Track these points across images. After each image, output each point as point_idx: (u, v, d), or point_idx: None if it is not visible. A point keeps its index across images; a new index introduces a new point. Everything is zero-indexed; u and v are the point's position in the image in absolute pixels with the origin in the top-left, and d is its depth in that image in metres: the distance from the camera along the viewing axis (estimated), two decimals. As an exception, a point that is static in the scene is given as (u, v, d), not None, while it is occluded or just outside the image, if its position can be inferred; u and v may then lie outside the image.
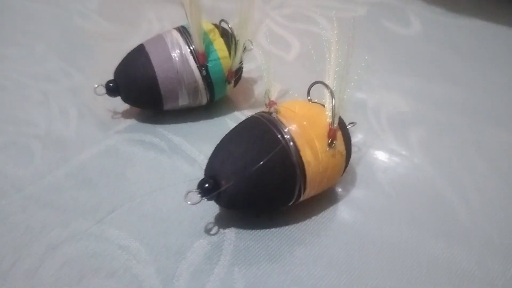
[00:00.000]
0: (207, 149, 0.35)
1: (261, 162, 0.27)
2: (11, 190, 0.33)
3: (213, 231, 0.31)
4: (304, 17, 0.53)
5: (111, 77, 0.37)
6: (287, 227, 0.31)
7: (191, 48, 0.35)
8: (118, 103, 0.38)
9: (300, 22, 0.51)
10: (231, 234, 0.30)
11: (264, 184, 0.28)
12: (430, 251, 0.30)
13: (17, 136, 0.37)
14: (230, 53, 0.36)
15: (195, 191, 0.28)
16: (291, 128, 0.29)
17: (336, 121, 0.30)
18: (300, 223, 0.31)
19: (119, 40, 0.48)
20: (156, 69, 0.35)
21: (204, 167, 0.30)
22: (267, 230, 0.31)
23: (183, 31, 0.36)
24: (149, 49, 0.36)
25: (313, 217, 0.32)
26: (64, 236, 0.30)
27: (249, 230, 0.31)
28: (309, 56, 0.43)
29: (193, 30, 0.35)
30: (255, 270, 0.28)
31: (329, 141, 0.29)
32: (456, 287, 0.28)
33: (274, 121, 0.29)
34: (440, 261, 0.29)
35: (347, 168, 0.34)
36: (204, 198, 0.28)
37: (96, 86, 0.37)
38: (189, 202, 0.28)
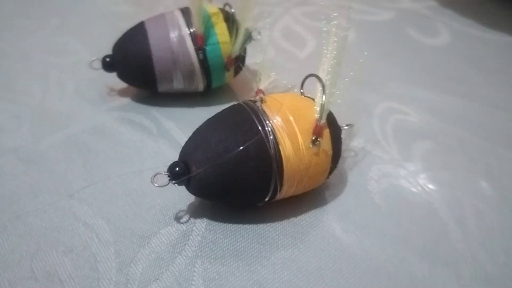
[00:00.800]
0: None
1: (235, 151, 0.26)
2: (-11, 154, 0.32)
3: (183, 220, 0.29)
4: (325, 16, 0.50)
5: None
6: (262, 225, 0.29)
7: (191, 30, 0.34)
8: (117, 81, 0.37)
9: (320, 21, 0.49)
10: (201, 224, 0.29)
11: (237, 175, 0.26)
12: (412, 272, 0.27)
13: (9, 103, 0.37)
14: (232, 39, 0.35)
15: (164, 174, 0.27)
16: (274, 120, 0.27)
17: (324, 117, 0.27)
18: (276, 222, 0.29)
19: (133, 21, 0.47)
20: (152, 48, 0.34)
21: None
22: (239, 225, 0.29)
23: (186, 12, 0.35)
24: (148, 26, 0.35)
25: (292, 219, 0.29)
26: (31, 206, 0.29)
27: (221, 223, 0.29)
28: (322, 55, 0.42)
29: (193, 10, 0.33)
30: (218, 265, 0.27)
31: (314, 138, 0.27)
32: (434, 314, 0.25)
33: (257, 110, 0.27)
34: (421, 283, 0.26)
35: (338, 172, 0.32)
36: (172, 182, 0.27)
37: (93, 59, 0.36)
38: (155, 184, 0.27)
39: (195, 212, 0.29)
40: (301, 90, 0.30)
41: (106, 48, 0.37)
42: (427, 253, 0.28)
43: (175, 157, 0.32)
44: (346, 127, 0.32)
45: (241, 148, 0.26)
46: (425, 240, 0.28)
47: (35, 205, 0.29)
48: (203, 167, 0.26)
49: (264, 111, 0.27)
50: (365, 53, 0.33)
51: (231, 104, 0.37)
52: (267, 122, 0.27)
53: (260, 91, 0.29)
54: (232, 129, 0.27)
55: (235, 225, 0.29)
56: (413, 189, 0.32)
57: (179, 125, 0.36)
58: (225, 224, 0.29)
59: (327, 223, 0.29)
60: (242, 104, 0.28)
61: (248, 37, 0.35)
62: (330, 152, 0.28)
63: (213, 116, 0.29)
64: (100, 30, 0.46)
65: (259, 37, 0.38)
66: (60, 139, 0.34)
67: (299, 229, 0.29)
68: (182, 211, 0.29)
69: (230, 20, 0.35)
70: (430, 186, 0.32)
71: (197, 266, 0.26)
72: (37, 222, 0.28)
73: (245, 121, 0.27)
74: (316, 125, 0.27)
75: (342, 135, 0.30)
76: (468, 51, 0.47)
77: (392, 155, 0.34)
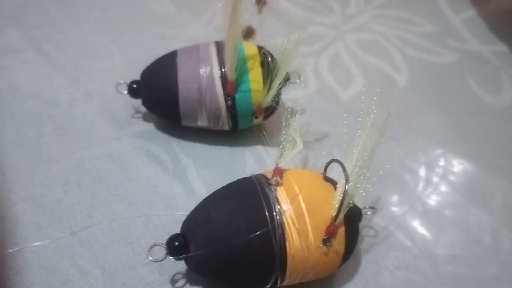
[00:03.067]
0: (212, 182, 0.33)
1: (237, 242, 0.24)
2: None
3: (178, 284, 0.28)
4: (379, 48, 0.46)
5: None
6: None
7: (223, 71, 0.32)
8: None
9: (373, 54, 0.45)
10: (196, 293, 0.28)
11: (235, 266, 0.25)
12: None
13: (33, 110, 0.36)
14: (265, 89, 0.32)
15: (163, 246, 0.26)
16: (286, 212, 0.25)
17: (341, 216, 0.25)
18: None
19: (174, 27, 0.45)
20: (179, 86, 0.32)
21: (198, 200, 0.28)
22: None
23: (221, 47, 0.33)
24: (180, 59, 0.33)
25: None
26: (33, 239, 0.29)
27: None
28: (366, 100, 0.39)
29: (227, 55, 0.31)
30: None
31: (325, 237, 0.25)
32: None
33: (269, 196, 0.25)
34: None
35: (353, 254, 0.30)
36: (170, 257, 0.25)
37: (120, 82, 0.35)
38: (150, 258, 0.26)
39: (192, 278, 0.28)
40: (324, 173, 0.28)
41: (141, 59, 0.35)
42: None
43: (186, 204, 0.32)
44: (368, 212, 0.30)
45: (244, 239, 0.24)
46: None
47: (38, 238, 0.29)
48: (202, 249, 0.25)
49: (277, 198, 0.25)
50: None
51: (255, 147, 0.36)
52: (277, 212, 0.25)
53: (278, 170, 0.26)
54: (237, 214, 0.25)
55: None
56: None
57: (197, 165, 0.34)
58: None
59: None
60: (254, 181, 0.26)
61: (285, 82, 0.32)
62: (342, 251, 0.26)
63: (223, 189, 0.27)
64: (138, 33, 0.44)
65: (297, 80, 0.35)
66: (76, 162, 0.33)
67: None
68: (180, 273, 0.28)
69: (266, 66, 0.32)
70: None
71: None
72: (36, 259, 0.28)
73: (253, 207, 0.25)
74: (331, 223, 0.25)
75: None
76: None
77: (415, 241, 0.32)
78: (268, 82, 0.32)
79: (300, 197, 0.25)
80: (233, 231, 0.24)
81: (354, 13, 0.50)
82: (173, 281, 0.28)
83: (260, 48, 0.33)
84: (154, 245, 0.26)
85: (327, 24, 0.48)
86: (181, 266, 0.29)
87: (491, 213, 0.34)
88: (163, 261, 0.26)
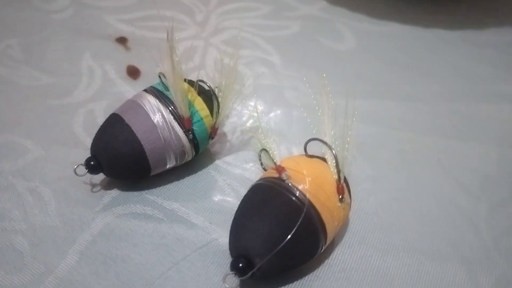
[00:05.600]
0: (202, 208, 0.36)
1: (289, 236, 0.29)
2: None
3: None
4: (245, 41, 0.53)
5: (73, 142, 0.37)
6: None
7: (175, 113, 0.34)
8: (96, 176, 0.36)
9: (243, 48, 0.52)
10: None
11: (294, 253, 0.30)
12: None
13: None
14: (211, 111, 0.36)
15: (231, 274, 0.29)
16: (307, 194, 0.30)
17: (342, 177, 0.32)
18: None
19: (63, 95, 0.44)
20: (142, 142, 0.34)
21: (205, 229, 0.33)
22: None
23: (159, 94, 0.35)
24: (129, 120, 0.34)
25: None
26: None
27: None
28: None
29: (177, 97, 0.34)
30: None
31: (340, 197, 0.31)
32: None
33: (291, 189, 0.30)
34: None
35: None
36: (241, 278, 0.29)
37: (76, 166, 0.35)
38: (227, 286, 0.29)
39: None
40: (306, 153, 0.34)
41: (57, 136, 0.38)
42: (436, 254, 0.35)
43: (197, 237, 0.34)
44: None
45: (294, 230, 0.29)
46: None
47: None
48: (265, 256, 0.29)
49: (295, 187, 0.30)
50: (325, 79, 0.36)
51: (214, 164, 0.40)
52: (303, 197, 0.30)
53: (281, 168, 0.31)
54: (277, 214, 0.29)
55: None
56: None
57: (180, 202, 0.36)
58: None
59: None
60: (271, 185, 0.31)
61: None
62: (349, 201, 0.33)
63: (249, 204, 0.31)
64: (34, 115, 0.42)
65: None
66: (77, 258, 0.33)
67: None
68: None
69: (204, 92, 0.36)
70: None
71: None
72: None
73: (286, 203, 0.30)
74: (338, 185, 0.31)
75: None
76: (373, 47, 0.54)
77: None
78: (215, 104, 0.36)
79: (308, 178, 0.31)
80: (283, 228, 0.29)
81: (203, 19, 0.56)
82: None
83: (189, 80, 0.36)
84: (227, 275, 0.29)
85: (192, 37, 0.53)
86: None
87: (385, 127, 0.45)
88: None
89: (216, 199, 0.37)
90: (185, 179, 0.38)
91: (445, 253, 0.35)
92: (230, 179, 0.39)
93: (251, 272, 0.29)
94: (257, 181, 0.33)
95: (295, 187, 0.30)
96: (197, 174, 0.39)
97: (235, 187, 0.38)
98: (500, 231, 0.36)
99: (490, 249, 0.35)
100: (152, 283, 0.32)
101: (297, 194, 0.30)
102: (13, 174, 0.37)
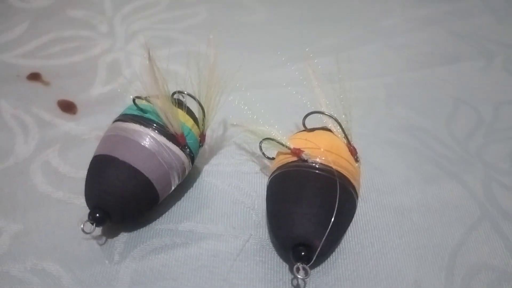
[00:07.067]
0: (217, 217, 0.36)
1: (334, 211, 0.30)
2: None
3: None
4: (161, 38, 0.50)
5: (47, 203, 0.34)
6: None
7: (164, 133, 0.32)
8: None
9: (161, 47, 0.49)
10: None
11: (341, 223, 0.31)
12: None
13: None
14: (193, 119, 0.35)
15: (299, 265, 0.29)
16: (332, 164, 0.31)
17: (351, 139, 0.33)
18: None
19: (4, 156, 0.38)
20: (146, 174, 0.31)
21: (232, 235, 0.33)
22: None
23: (139, 119, 0.32)
24: (124, 156, 0.31)
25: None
26: None
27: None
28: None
29: (169, 116, 0.32)
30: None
31: (355, 157, 0.33)
32: None
33: (316, 165, 0.31)
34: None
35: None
36: (308, 265, 0.29)
37: (81, 225, 0.31)
38: (300, 277, 0.29)
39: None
40: (305, 127, 0.35)
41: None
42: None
43: (231, 245, 0.34)
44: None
45: (337, 203, 0.30)
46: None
47: None
48: (322, 236, 0.29)
49: (320, 163, 0.31)
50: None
51: (204, 170, 0.39)
52: (329, 168, 0.31)
53: (295, 150, 0.32)
54: (317, 194, 0.30)
55: None
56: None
57: (193, 220, 0.35)
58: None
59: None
60: (299, 169, 0.31)
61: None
62: (359, 159, 0.35)
63: (285, 192, 0.31)
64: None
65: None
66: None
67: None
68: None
69: (180, 103, 0.34)
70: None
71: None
72: None
73: (319, 180, 0.31)
74: (350, 148, 0.33)
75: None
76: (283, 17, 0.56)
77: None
78: (200, 111, 0.34)
79: (324, 150, 0.32)
80: (327, 205, 0.30)
81: (108, 29, 0.51)
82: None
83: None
84: (297, 266, 0.29)
85: (107, 50, 0.48)
86: None
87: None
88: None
89: (226, 203, 0.36)
90: (185, 196, 0.37)
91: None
92: (228, 179, 0.38)
93: (315, 256, 0.29)
94: (277, 171, 0.32)
95: (319, 162, 0.31)
96: (193, 187, 0.38)
97: (237, 185, 0.38)
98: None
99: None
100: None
101: (324, 169, 0.31)
102: (0, 263, 0.32)
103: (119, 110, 0.34)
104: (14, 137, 0.40)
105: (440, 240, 0.35)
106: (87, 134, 0.40)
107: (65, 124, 0.41)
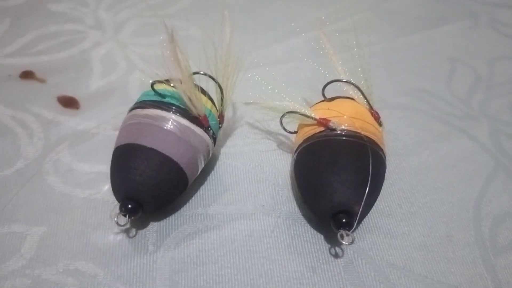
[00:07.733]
0: (244, 197, 0.35)
1: (370, 176, 0.30)
2: None
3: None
4: (148, 28, 0.49)
5: (67, 201, 0.33)
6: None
7: (186, 116, 0.31)
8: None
9: (157, 34, 0.48)
10: None
11: (376, 186, 0.31)
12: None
13: None
14: (211, 100, 0.34)
15: (343, 232, 0.29)
16: (360, 130, 0.31)
17: (373, 105, 0.34)
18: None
19: (13, 160, 0.37)
20: (175, 159, 0.30)
21: (263, 213, 0.33)
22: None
23: (159, 105, 0.31)
24: (151, 142, 0.30)
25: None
26: None
27: None
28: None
29: (193, 99, 0.31)
30: None
31: (379, 122, 0.33)
32: None
33: (345, 133, 0.31)
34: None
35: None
36: (352, 231, 0.29)
37: (115, 218, 0.30)
38: (345, 243, 0.29)
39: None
40: (325, 97, 0.34)
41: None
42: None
43: (265, 223, 0.33)
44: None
45: (371, 167, 0.30)
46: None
47: None
48: (361, 201, 0.30)
49: (349, 130, 0.31)
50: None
51: (220, 151, 0.38)
52: (358, 134, 0.31)
53: (321, 120, 0.32)
54: (352, 161, 0.30)
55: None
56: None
57: (221, 202, 0.35)
58: None
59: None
60: (329, 138, 0.31)
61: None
62: (380, 122, 0.35)
63: (320, 162, 0.31)
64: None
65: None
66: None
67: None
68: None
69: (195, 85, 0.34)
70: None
71: None
72: None
73: (351, 147, 0.31)
74: (373, 113, 0.33)
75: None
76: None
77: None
78: (218, 92, 0.34)
79: (348, 117, 0.32)
80: (362, 171, 0.30)
81: (96, 21, 0.49)
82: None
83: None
84: (341, 233, 0.29)
85: (98, 43, 0.47)
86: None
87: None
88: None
89: (250, 182, 0.36)
90: (208, 180, 0.36)
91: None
92: (247, 159, 0.38)
93: (356, 222, 0.30)
94: (304, 143, 0.32)
95: (348, 130, 0.31)
96: (214, 170, 0.37)
97: (257, 164, 0.37)
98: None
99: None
100: (258, 286, 0.31)
101: (353, 135, 0.31)
102: (30, 267, 0.31)
103: (122, 101, 0.33)
104: (18, 140, 0.38)
105: (462, 195, 0.36)
106: (96, 128, 0.38)
107: (70, 119, 0.39)
